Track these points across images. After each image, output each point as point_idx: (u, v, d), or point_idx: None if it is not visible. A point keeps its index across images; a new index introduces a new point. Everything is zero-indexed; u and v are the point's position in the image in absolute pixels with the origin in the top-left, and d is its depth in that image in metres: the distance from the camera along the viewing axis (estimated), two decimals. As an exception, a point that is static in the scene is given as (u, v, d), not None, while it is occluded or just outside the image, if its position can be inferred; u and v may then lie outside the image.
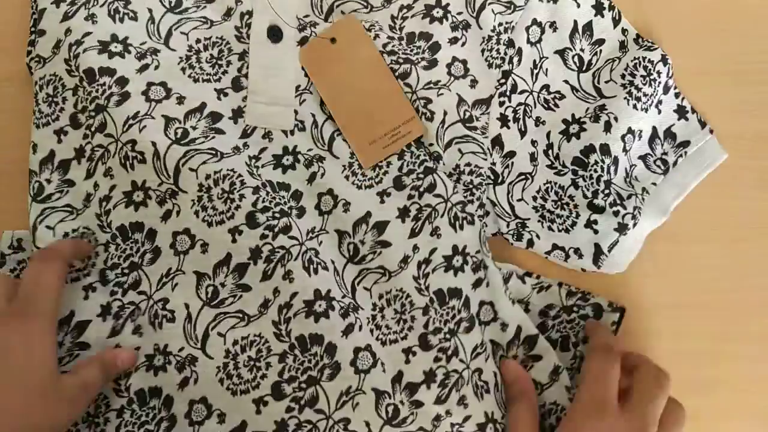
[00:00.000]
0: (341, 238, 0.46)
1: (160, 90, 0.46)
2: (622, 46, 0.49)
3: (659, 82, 0.47)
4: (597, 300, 0.47)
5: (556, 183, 0.47)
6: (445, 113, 0.47)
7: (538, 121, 0.48)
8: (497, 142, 0.47)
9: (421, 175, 0.46)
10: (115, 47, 0.46)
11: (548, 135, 0.48)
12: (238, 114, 0.47)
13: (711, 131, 0.49)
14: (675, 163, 0.48)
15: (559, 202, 0.47)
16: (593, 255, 0.47)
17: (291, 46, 0.47)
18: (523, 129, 0.48)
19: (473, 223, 0.46)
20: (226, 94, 0.47)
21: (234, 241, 0.44)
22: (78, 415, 0.41)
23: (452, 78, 0.47)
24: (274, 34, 0.47)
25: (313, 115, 0.47)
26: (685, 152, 0.48)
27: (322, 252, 0.45)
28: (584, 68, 0.49)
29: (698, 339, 0.49)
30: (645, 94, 0.47)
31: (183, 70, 0.47)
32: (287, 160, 0.47)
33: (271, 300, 0.44)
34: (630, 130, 0.47)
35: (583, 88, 0.48)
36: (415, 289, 0.45)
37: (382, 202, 0.46)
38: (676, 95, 0.49)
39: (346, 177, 0.47)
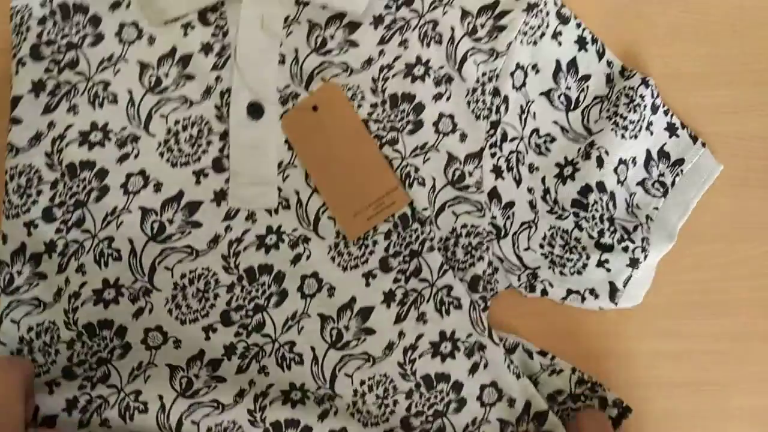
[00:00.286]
0: (324, 322, 0.45)
1: (138, 180, 0.45)
2: (609, 79, 0.48)
3: (644, 106, 0.47)
4: (605, 394, 0.46)
5: (560, 227, 0.47)
6: (434, 179, 0.46)
7: (532, 168, 0.47)
8: (494, 194, 0.47)
9: (408, 258, 0.45)
10: (95, 136, 0.45)
11: (543, 180, 0.47)
12: (221, 196, 0.46)
13: (703, 144, 0.48)
14: (673, 183, 0.48)
15: (566, 246, 0.47)
16: (609, 293, 0.46)
17: (273, 121, 0.46)
18: (517, 177, 0.47)
19: (460, 307, 0.45)
20: (206, 175, 0.46)
21: (208, 338, 0.45)
22: None
23: (441, 135, 0.46)
24: (255, 111, 0.46)
25: (298, 192, 0.46)
26: (681, 170, 0.48)
27: (300, 342, 0.45)
28: (572, 107, 0.48)
29: (698, 339, 0.49)
30: (631, 122, 0.46)
31: (161, 154, 0.46)
32: (270, 239, 0.46)
33: (247, 390, 0.45)
34: (621, 161, 0.46)
35: (573, 127, 0.48)
36: (400, 375, 0.45)
37: (368, 284, 0.46)
38: (665, 113, 0.48)
39: (332, 258, 0.46)
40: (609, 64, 0.48)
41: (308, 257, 0.46)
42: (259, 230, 0.46)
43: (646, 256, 0.46)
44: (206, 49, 0.46)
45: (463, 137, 0.46)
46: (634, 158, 0.47)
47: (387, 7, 0.47)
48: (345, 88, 0.46)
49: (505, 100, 0.47)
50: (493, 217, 0.46)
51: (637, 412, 0.48)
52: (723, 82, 0.50)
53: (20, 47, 0.45)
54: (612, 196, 0.46)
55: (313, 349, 0.45)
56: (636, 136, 0.47)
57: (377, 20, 0.47)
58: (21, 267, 0.45)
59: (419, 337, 0.45)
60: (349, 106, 0.46)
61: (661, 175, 0.48)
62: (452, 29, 0.46)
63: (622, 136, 0.46)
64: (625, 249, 0.46)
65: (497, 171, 0.47)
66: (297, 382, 0.45)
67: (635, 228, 0.46)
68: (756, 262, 0.50)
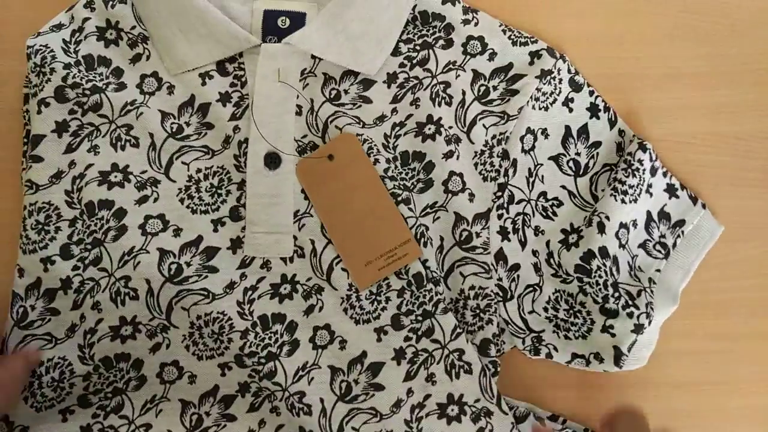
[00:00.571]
0: (334, 374, 0.45)
1: (157, 223, 0.46)
2: (619, 148, 0.48)
3: (643, 170, 0.47)
4: None
5: (564, 291, 0.47)
6: (442, 239, 0.46)
7: (537, 231, 0.47)
8: (500, 256, 0.46)
9: (420, 318, 0.45)
10: (115, 177, 0.46)
11: (548, 244, 0.47)
12: (236, 244, 0.46)
13: (704, 206, 0.48)
14: (674, 245, 0.48)
15: (571, 311, 0.46)
16: (614, 357, 0.46)
17: (290, 171, 0.46)
18: (523, 240, 0.47)
19: (471, 372, 0.45)
20: (223, 224, 0.46)
21: (223, 374, 0.45)
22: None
23: (450, 195, 0.46)
24: (272, 161, 0.46)
25: (313, 242, 0.46)
26: (682, 231, 0.48)
27: (309, 392, 0.45)
28: (581, 172, 0.48)
29: (698, 339, 0.49)
30: (630, 186, 0.46)
31: (182, 201, 0.46)
32: (285, 289, 0.46)
33: (256, 430, 0.45)
34: (622, 225, 0.46)
35: (580, 193, 0.47)
36: None
37: (379, 340, 0.45)
38: (665, 174, 0.48)
39: (345, 310, 0.46)
40: (621, 133, 0.48)
41: (321, 308, 0.46)
42: (274, 279, 0.46)
43: (650, 322, 0.45)
44: (224, 98, 0.46)
45: (472, 197, 0.46)
46: (635, 221, 0.47)
47: (401, 65, 0.47)
48: (361, 138, 0.46)
49: (514, 163, 0.47)
50: (500, 279, 0.46)
51: (637, 412, 0.48)
52: (723, 82, 0.50)
53: (42, 87, 0.45)
54: (615, 260, 0.46)
55: (322, 400, 0.45)
56: (636, 200, 0.46)
57: (391, 78, 0.47)
58: (35, 302, 0.45)
59: (427, 396, 0.45)
60: (365, 156, 0.46)
61: (662, 236, 0.48)
62: (463, 93, 0.47)
63: (622, 200, 0.46)
64: (630, 315, 0.45)
65: (503, 232, 0.46)
66: (306, 427, 0.44)
67: (639, 293, 0.46)
68: (756, 262, 0.50)
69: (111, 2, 0.47)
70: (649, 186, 0.47)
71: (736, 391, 0.49)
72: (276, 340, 0.45)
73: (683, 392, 0.49)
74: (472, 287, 0.46)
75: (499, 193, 0.46)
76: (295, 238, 0.46)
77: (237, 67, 0.46)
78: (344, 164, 0.46)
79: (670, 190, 0.48)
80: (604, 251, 0.46)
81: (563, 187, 0.47)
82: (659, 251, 0.47)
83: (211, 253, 0.46)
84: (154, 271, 0.45)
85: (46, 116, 0.45)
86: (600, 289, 0.45)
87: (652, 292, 0.46)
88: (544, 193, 0.47)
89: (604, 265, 0.46)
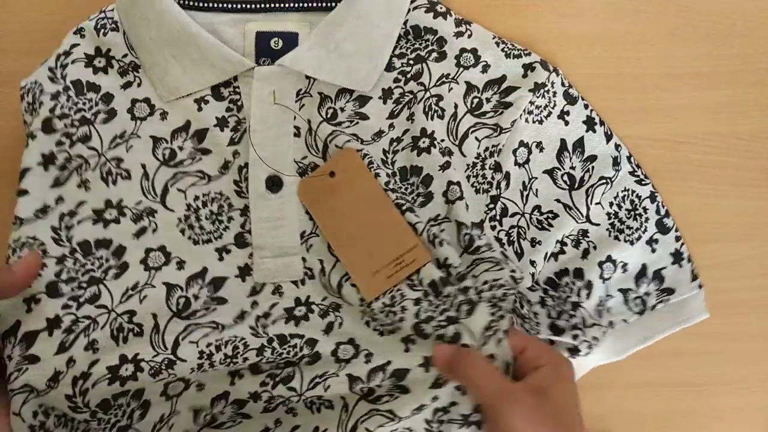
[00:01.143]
0: (352, 383, 0.43)
1: (159, 256, 0.45)
2: (615, 162, 0.47)
3: (646, 218, 0.47)
4: None
5: (525, 297, 0.46)
6: (448, 243, 0.45)
7: (534, 242, 0.46)
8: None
9: (444, 323, 0.43)
10: (110, 213, 0.45)
11: (546, 255, 0.47)
12: (245, 272, 0.45)
13: (700, 286, 0.48)
14: (654, 307, 0.47)
15: (523, 318, 0.46)
16: None
17: (293, 193, 0.45)
18: (519, 251, 0.46)
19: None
20: (229, 251, 0.45)
21: (233, 383, 0.44)
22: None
23: (450, 204, 0.45)
24: (274, 184, 0.45)
25: (321, 261, 0.45)
26: (668, 299, 0.47)
27: (327, 394, 0.44)
28: (576, 186, 0.47)
29: (698, 339, 0.49)
30: (629, 227, 0.46)
31: (182, 231, 0.45)
32: (299, 311, 0.45)
33: (272, 428, 0.44)
34: (610, 259, 0.46)
35: (576, 205, 0.47)
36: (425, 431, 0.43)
37: (407, 350, 0.44)
38: (677, 239, 0.48)
39: (367, 323, 0.45)
40: (617, 147, 0.48)
41: (341, 324, 0.45)
42: (287, 303, 0.45)
43: (587, 354, 0.45)
44: (222, 123, 0.46)
45: (467, 207, 0.46)
46: (626, 264, 0.47)
47: (396, 80, 0.47)
48: (362, 153, 0.45)
49: (507, 176, 0.46)
50: (513, 271, 0.44)
51: (637, 412, 0.48)
52: (723, 81, 0.50)
53: (32, 123, 0.44)
54: (589, 285, 0.46)
55: (343, 398, 0.44)
56: (632, 243, 0.46)
57: (386, 93, 0.47)
58: (11, 351, 0.42)
59: (453, 404, 0.43)
60: (366, 169, 0.45)
61: (647, 294, 0.47)
62: (455, 106, 0.46)
63: (616, 237, 0.46)
64: (575, 337, 0.45)
65: (499, 243, 0.46)
66: (322, 426, 0.43)
67: (593, 325, 0.46)
68: (756, 262, 0.50)
69: (103, 30, 0.46)
70: (655, 241, 0.47)
71: (736, 391, 0.49)
72: (295, 354, 0.44)
73: (683, 392, 0.49)
74: (485, 282, 0.44)
75: (492, 205, 0.46)
76: (304, 259, 0.45)
77: (232, 91, 0.46)
78: (346, 179, 0.45)
79: (677, 256, 0.48)
80: (578, 272, 0.46)
81: (558, 200, 0.47)
82: (636, 305, 0.47)
83: (218, 284, 0.45)
84: (162, 306, 0.44)
85: (32, 149, 0.44)
86: (559, 304, 0.46)
87: (604, 333, 0.46)
88: (538, 207, 0.47)
89: (573, 283, 0.46)
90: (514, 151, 0.46)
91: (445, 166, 0.45)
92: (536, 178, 0.47)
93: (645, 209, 0.47)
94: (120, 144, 0.45)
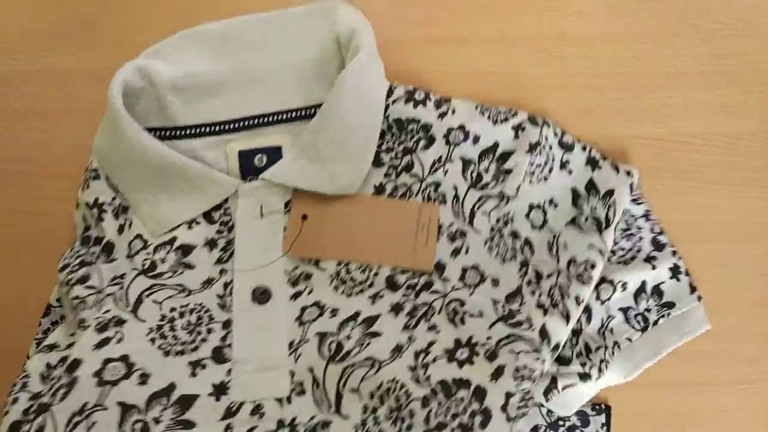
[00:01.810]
0: None
1: (119, 368, 0.39)
2: (632, 189, 0.46)
3: (640, 237, 0.46)
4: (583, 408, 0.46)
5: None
6: (481, 313, 0.43)
7: (579, 300, 0.43)
8: (544, 333, 0.43)
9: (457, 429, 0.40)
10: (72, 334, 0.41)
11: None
12: (221, 390, 0.40)
13: (699, 298, 0.47)
14: (656, 323, 0.46)
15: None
16: (546, 387, 0.45)
17: (281, 302, 0.42)
18: (565, 313, 0.43)
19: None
20: (204, 366, 0.40)
21: None
22: None
23: (471, 288, 0.43)
24: (261, 294, 0.42)
25: (312, 370, 0.41)
26: (668, 313, 0.46)
27: None
28: (604, 226, 0.45)
29: (698, 339, 0.49)
30: (622, 248, 0.46)
31: (152, 341, 0.41)
32: None
33: None
34: (606, 280, 0.45)
35: (609, 246, 0.45)
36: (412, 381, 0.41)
37: None
38: (673, 253, 0.47)
39: None
40: (628, 173, 0.46)
41: None
42: (268, 426, 0.40)
43: (599, 377, 0.44)
44: (210, 244, 0.44)
45: (495, 282, 0.44)
46: (625, 283, 0.46)
47: (386, 175, 0.45)
48: (311, 190, 0.43)
49: (528, 242, 0.45)
50: (543, 362, 0.42)
51: (638, 413, 0.48)
52: (724, 81, 0.50)
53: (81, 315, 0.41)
54: (588, 309, 0.45)
55: None
56: (626, 263, 0.46)
57: (378, 189, 0.45)
58: None
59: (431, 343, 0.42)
60: (342, 195, 0.44)
61: (648, 310, 0.46)
62: (455, 188, 0.45)
63: (609, 259, 0.45)
64: (583, 364, 0.44)
65: (542, 308, 0.43)
66: None
67: (597, 349, 0.45)
68: (756, 262, 0.50)
69: (85, 184, 0.45)
70: (653, 258, 0.46)
71: (736, 392, 0.49)
72: None
73: (683, 392, 0.49)
74: (524, 367, 0.41)
75: (525, 269, 0.44)
76: (293, 373, 0.41)
77: (223, 213, 0.44)
78: (318, 218, 0.44)
79: (675, 271, 0.47)
80: (578, 299, 0.44)
81: (591, 246, 0.44)
82: (638, 323, 0.46)
83: (186, 404, 0.39)
84: None
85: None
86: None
87: (612, 353, 0.45)
88: (573, 260, 0.44)
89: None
90: (527, 216, 0.45)
91: (456, 253, 0.44)
92: (560, 233, 0.45)
93: (639, 228, 0.46)
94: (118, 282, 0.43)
